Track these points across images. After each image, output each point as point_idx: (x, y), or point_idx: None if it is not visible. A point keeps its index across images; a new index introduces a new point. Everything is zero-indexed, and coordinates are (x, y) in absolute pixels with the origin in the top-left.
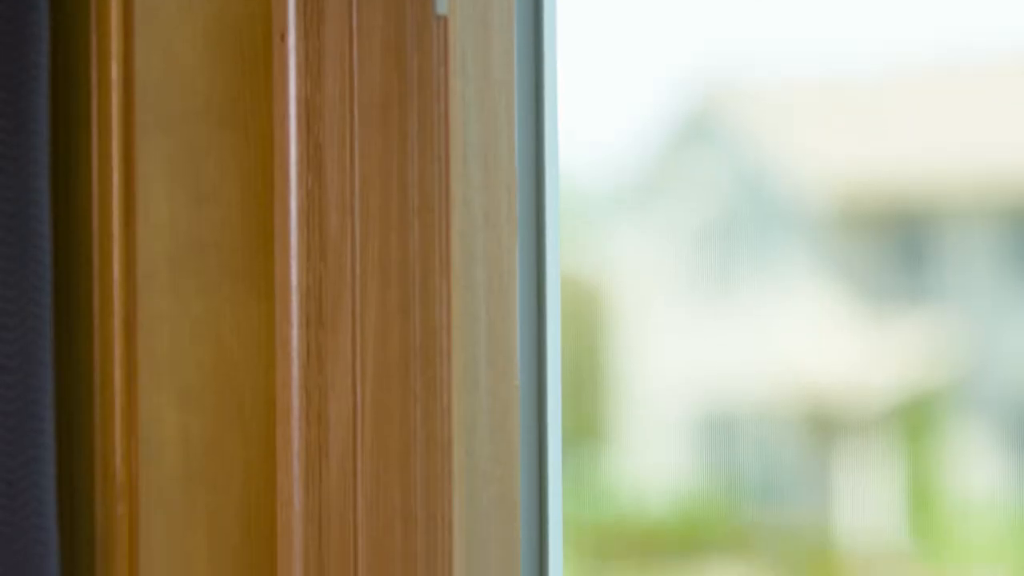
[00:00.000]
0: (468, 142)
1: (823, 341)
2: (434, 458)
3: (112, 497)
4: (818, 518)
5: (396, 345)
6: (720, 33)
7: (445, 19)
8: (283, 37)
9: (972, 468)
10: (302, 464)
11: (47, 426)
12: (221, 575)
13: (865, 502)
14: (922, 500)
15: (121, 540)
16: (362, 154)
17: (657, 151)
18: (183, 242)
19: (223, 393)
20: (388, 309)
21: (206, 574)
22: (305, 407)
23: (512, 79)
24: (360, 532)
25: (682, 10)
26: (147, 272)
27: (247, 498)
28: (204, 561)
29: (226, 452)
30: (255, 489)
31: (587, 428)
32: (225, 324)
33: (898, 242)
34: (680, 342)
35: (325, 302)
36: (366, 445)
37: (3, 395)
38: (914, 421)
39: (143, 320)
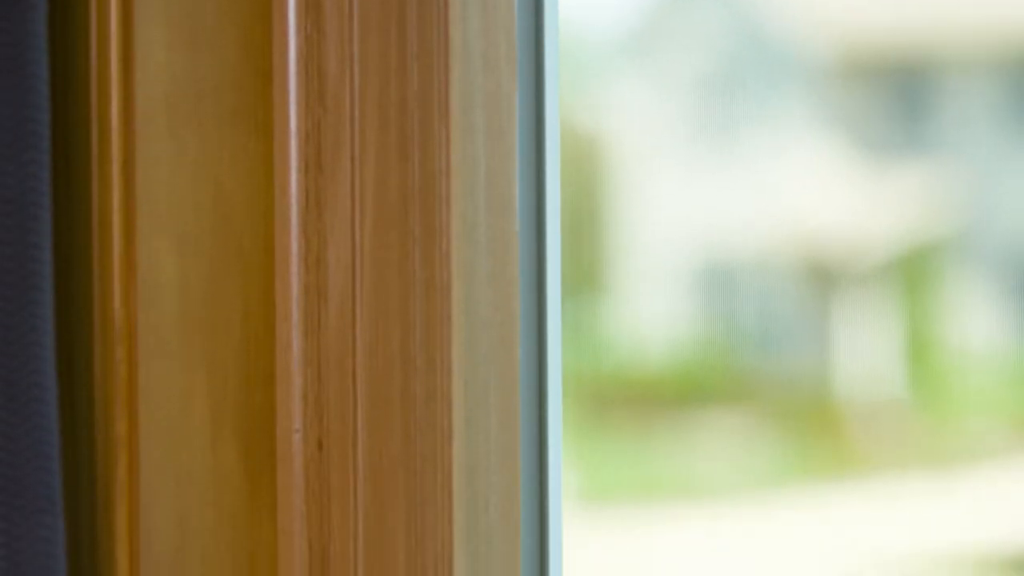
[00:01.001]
0: None
1: (822, 191)
2: (433, 302)
3: (111, 341)
4: (816, 368)
5: (395, 190)
6: None
7: None
8: None
9: (970, 319)
10: (301, 309)
11: (45, 269)
12: (220, 419)
13: (863, 352)
14: (920, 350)
15: (120, 384)
16: None
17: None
18: (181, 87)
19: (222, 237)
20: (387, 154)
21: (205, 419)
22: (304, 252)
23: None
24: (359, 376)
25: None
26: (145, 116)
27: (246, 342)
28: (203, 406)
29: (225, 296)
30: (254, 333)
31: (586, 278)
32: (224, 168)
33: (898, 92)
34: (679, 192)
35: (324, 147)
36: (365, 290)
37: (1, 238)
38: (913, 272)
39: (141, 164)
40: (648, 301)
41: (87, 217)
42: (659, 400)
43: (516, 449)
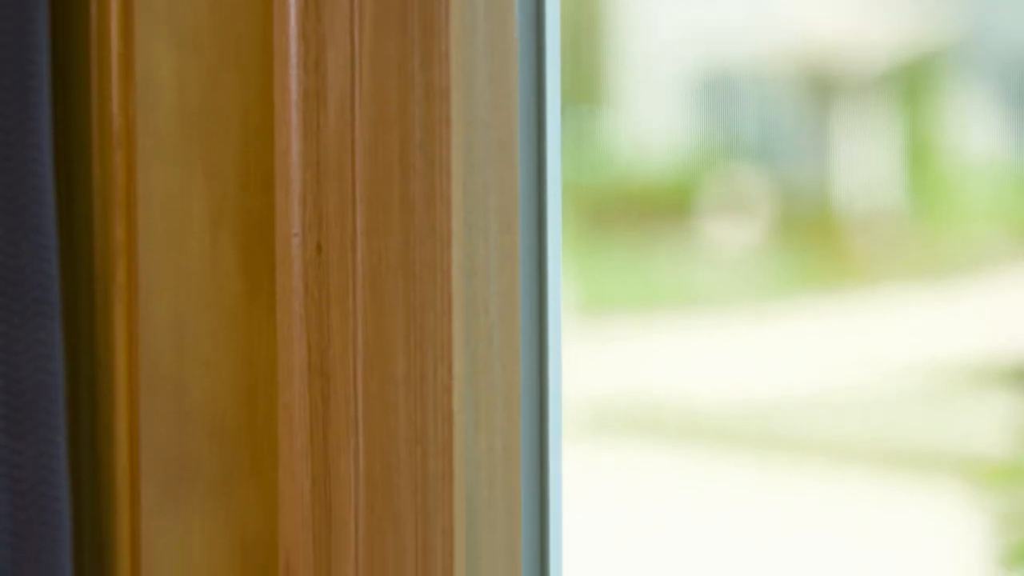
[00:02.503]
0: None
1: (822, 1)
2: (432, 105)
3: (109, 146)
4: (816, 178)
5: None
6: None
7: None
8: None
9: (970, 127)
10: (299, 112)
11: (42, 71)
12: (219, 223)
13: (863, 162)
14: (920, 159)
15: (118, 189)
16: None
17: None
18: None
19: (220, 38)
20: None
21: (204, 222)
22: (303, 54)
23: None
24: (358, 179)
25: None
26: None
27: (245, 146)
28: (202, 210)
29: (223, 99)
30: (253, 137)
31: (585, 89)
32: None
33: None
34: (678, 1)
35: None
36: (364, 92)
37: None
38: (913, 80)
39: None
40: (648, 112)
41: (85, 21)
42: (659, 211)
43: (516, 252)
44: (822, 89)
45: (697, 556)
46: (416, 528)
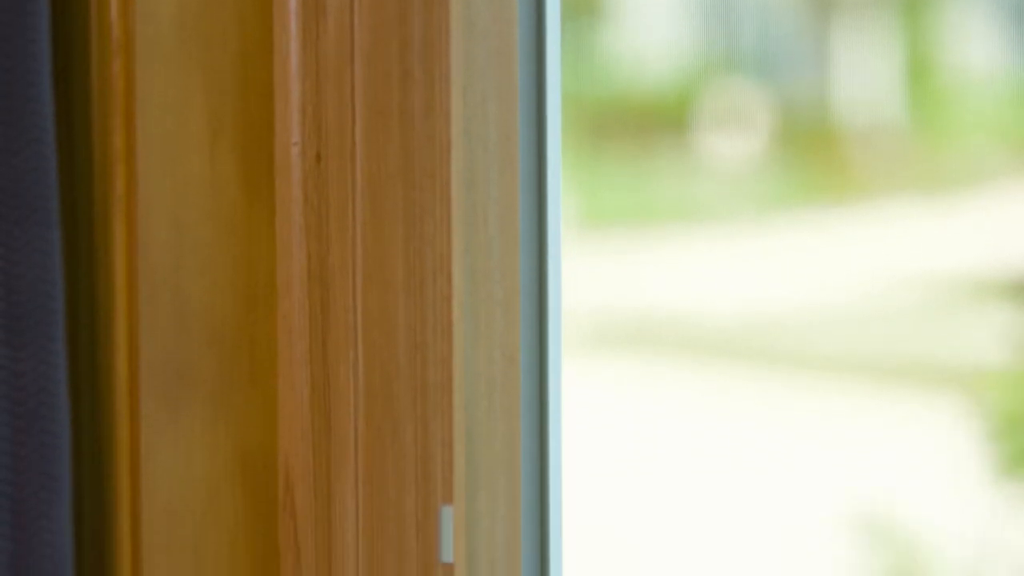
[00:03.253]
0: None
1: None
2: (431, 14)
3: (108, 54)
4: (816, 91)
5: None
6: None
7: None
8: None
9: (970, 41)
10: (299, 19)
11: None
12: (218, 132)
13: (863, 75)
14: (920, 73)
15: (117, 97)
16: None
17: None
18: None
19: None
20: None
21: (203, 131)
22: None
23: None
24: (357, 89)
25: None
26: None
27: (243, 54)
28: (201, 119)
29: (222, 7)
30: (252, 46)
31: (585, 2)
32: None
33: None
34: None
35: None
36: (363, 1)
37: None
38: None
39: None
40: (647, 25)
41: None
42: (658, 124)
43: (515, 162)
44: (822, 1)
45: (696, 468)
46: (415, 437)
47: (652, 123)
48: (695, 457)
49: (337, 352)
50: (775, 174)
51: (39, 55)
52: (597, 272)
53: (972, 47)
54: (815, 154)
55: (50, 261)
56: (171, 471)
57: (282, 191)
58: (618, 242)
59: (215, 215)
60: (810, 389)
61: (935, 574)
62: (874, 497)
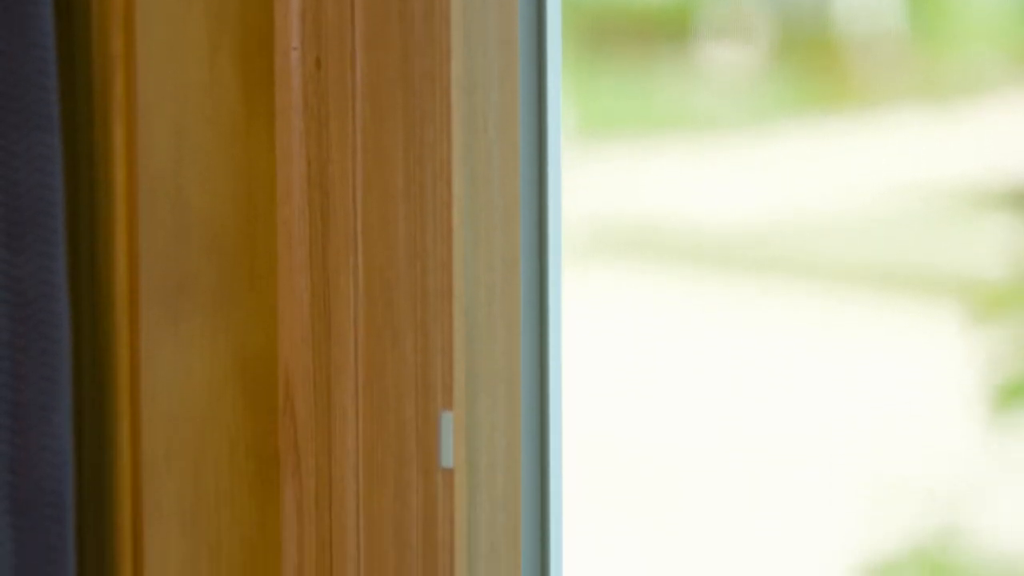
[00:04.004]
0: None
1: None
2: None
3: None
4: (817, 0)
5: None
6: None
7: None
8: None
9: None
10: None
11: None
12: (218, 37)
13: None
14: None
15: (116, 1)
16: None
17: None
18: None
19: None
20: None
21: (202, 35)
22: None
23: None
24: None
25: None
26: None
27: None
28: (200, 22)
29: None
30: None
31: None
32: None
33: None
34: None
35: None
36: None
37: None
38: None
39: None
40: None
41: None
42: (658, 32)
43: (515, 67)
44: None
45: (695, 376)
46: (415, 343)
47: (653, 31)
48: (694, 364)
49: (337, 258)
50: (776, 82)
51: None
52: (597, 180)
53: None
54: (816, 62)
55: (50, 166)
56: (171, 377)
57: (281, 97)
58: (618, 150)
59: (215, 121)
60: (809, 297)
61: (933, 485)
62: (873, 406)
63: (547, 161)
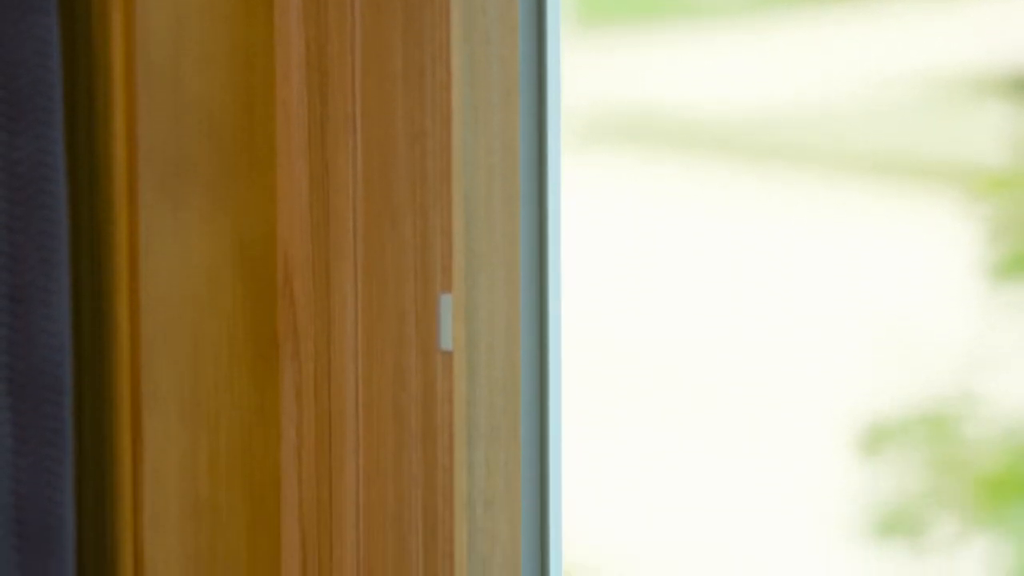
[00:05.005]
0: None
1: None
2: None
3: None
4: None
5: None
6: None
7: None
8: None
9: None
10: None
11: None
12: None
13: None
14: None
15: None
16: None
17: None
18: None
19: None
20: None
21: None
22: None
23: None
24: None
25: None
26: None
27: None
28: None
29: None
30: None
31: None
32: None
33: None
34: None
35: None
36: None
37: None
38: None
39: None
40: None
41: None
42: None
43: None
44: None
45: (694, 261)
46: (415, 225)
47: None
48: (693, 249)
49: (336, 141)
50: None
51: None
52: (596, 67)
53: None
54: None
55: (48, 48)
56: (170, 261)
57: None
58: (617, 37)
59: (213, 2)
60: (808, 185)
61: (931, 371)
62: (876, 286)
63: (546, 45)
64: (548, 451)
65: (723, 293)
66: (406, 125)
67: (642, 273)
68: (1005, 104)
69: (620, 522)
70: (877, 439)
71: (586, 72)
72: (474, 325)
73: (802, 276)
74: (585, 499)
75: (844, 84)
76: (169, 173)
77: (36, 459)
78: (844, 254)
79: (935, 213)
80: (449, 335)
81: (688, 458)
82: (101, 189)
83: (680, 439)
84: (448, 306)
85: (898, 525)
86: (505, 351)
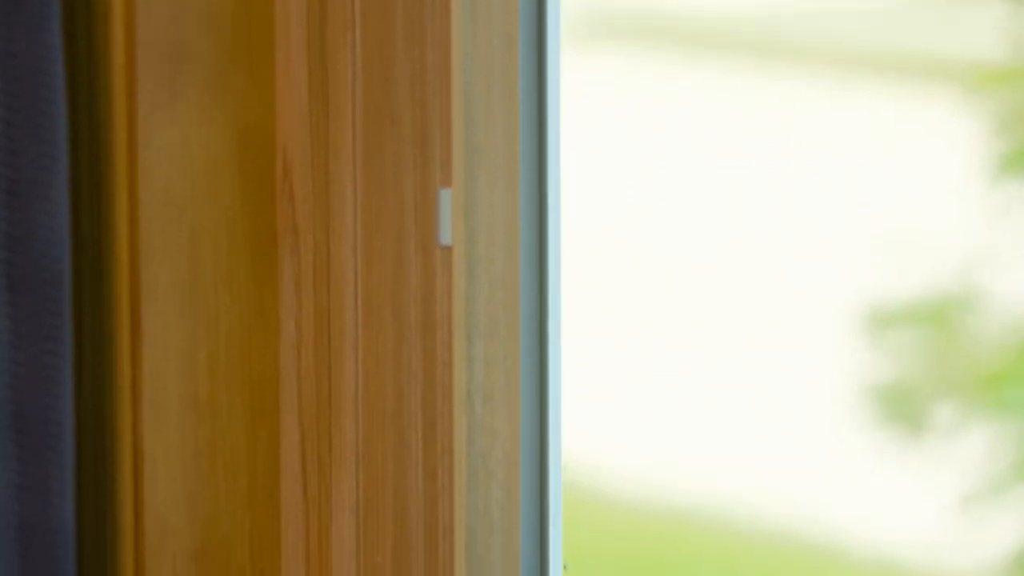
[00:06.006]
0: None
1: None
2: None
3: None
4: None
5: None
6: None
7: None
8: None
9: None
10: None
11: None
12: None
13: None
14: None
15: None
16: None
17: None
18: None
19: None
20: None
21: None
22: None
23: None
24: None
25: None
26: None
27: None
28: None
29: None
30: None
31: None
32: None
33: None
34: None
35: None
36: None
37: None
38: None
39: None
40: None
41: None
42: None
43: None
44: None
45: (696, 159)
46: (414, 120)
47: None
48: (694, 148)
49: (335, 34)
50: None
51: None
52: None
53: None
54: None
55: None
56: (169, 154)
57: None
58: None
59: None
60: (809, 82)
61: (932, 268)
62: (874, 189)
63: None
64: (547, 346)
65: (724, 190)
66: (405, 19)
67: (642, 169)
68: (1004, 1)
69: (619, 416)
70: (879, 330)
71: None
72: (473, 220)
73: (804, 173)
74: (584, 394)
75: None
76: (167, 64)
77: (35, 353)
78: (846, 151)
79: (936, 109)
80: (448, 230)
81: (688, 349)
82: (99, 81)
83: (681, 332)
84: (447, 201)
85: (899, 414)
86: (505, 246)
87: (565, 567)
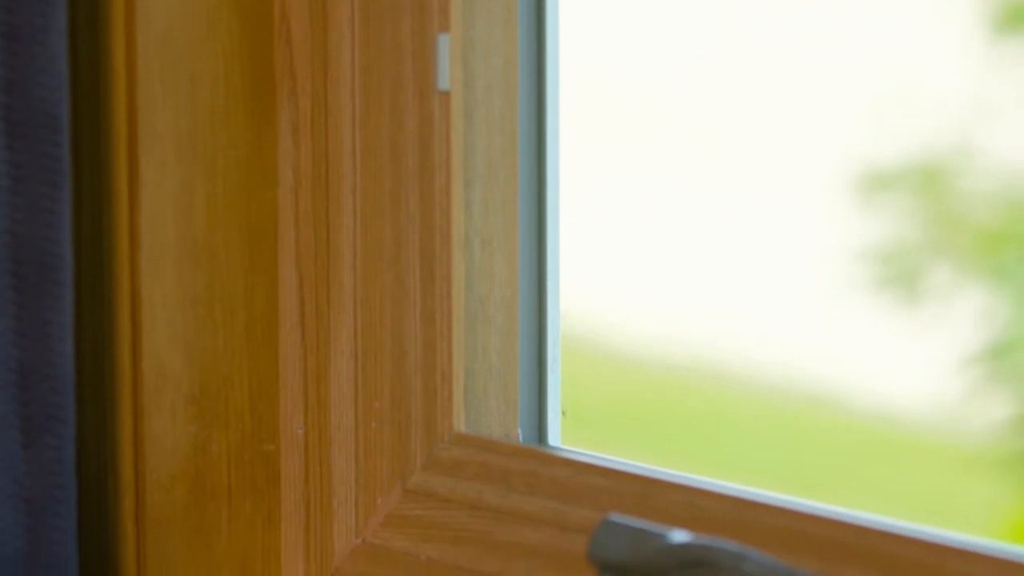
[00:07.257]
0: None
1: None
2: None
3: None
4: None
5: None
6: None
7: None
8: None
9: None
10: None
11: None
12: None
13: None
14: None
15: None
16: None
17: None
18: None
19: None
20: None
21: None
22: None
23: None
24: None
25: None
26: None
27: None
28: None
29: None
30: None
31: None
32: None
33: None
34: None
35: None
36: None
37: None
38: None
39: None
40: None
41: None
42: None
43: None
44: None
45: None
46: None
47: None
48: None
49: None
50: None
51: None
52: None
53: None
54: None
55: None
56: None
57: None
58: None
59: None
60: None
61: (930, 123)
62: (871, 43)
63: None
64: (546, 191)
65: (719, 39)
66: None
67: (641, 11)
68: None
69: (618, 263)
70: (874, 187)
71: None
72: (472, 65)
73: (794, 29)
74: (583, 239)
75: None
76: None
77: (34, 197)
78: (842, 3)
79: None
80: (447, 75)
81: (685, 202)
82: None
83: (678, 183)
84: (446, 46)
85: (894, 275)
86: (503, 91)
87: (563, 413)
